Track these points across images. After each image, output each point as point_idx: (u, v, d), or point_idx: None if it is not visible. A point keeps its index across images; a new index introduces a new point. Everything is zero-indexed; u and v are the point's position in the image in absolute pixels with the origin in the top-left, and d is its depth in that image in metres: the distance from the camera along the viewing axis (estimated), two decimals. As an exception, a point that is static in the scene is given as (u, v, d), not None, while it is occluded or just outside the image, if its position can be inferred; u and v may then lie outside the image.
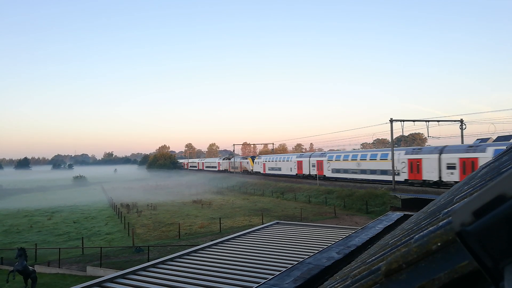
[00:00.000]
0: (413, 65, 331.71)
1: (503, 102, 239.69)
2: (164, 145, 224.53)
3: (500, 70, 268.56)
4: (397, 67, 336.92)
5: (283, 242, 9.22)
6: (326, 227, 11.70)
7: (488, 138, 35.07)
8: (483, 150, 32.47)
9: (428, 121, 43.03)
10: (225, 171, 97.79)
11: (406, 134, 60.93)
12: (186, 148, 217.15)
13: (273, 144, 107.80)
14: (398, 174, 41.06)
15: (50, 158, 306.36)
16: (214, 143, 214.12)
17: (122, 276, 6.81)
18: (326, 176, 53.43)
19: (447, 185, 34.94)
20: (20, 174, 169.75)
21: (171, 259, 7.82)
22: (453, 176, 34.99)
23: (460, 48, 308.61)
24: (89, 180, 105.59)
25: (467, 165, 33.57)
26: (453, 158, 35.24)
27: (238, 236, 10.01)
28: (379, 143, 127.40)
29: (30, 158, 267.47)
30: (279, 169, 67.54)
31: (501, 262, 0.54)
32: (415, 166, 38.97)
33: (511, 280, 0.52)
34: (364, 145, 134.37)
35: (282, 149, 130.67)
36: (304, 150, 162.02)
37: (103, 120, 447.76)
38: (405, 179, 40.03)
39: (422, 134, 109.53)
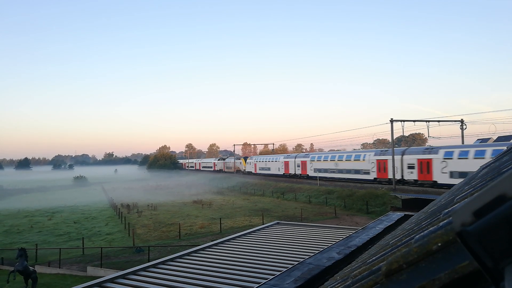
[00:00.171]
0: (413, 65, 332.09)
1: (504, 102, 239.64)
2: (165, 145, 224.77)
3: (500, 70, 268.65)
4: (397, 67, 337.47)
5: (283, 242, 9.22)
6: (327, 227, 11.69)
7: (489, 138, 35.02)
8: (436, 152, 36.78)
9: (429, 121, 43.00)
10: (220, 171, 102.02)
11: (406, 134, 61.13)
12: (186, 149, 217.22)
13: (273, 144, 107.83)
14: (368, 173, 45.33)
15: (50, 159, 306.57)
16: (215, 143, 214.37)
17: (123, 276, 6.81)
18: (309, 175, 57.04)
19: (408, 183, 39.78)
20: (20, 175, 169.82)
21: (172, 259, 7.82)
22: (412, 175, 39.19)
23: (460, 48, 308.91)
24: (89, 180, 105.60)
25: (423, 165, 37.75)
26: (412, 159, 39.40)
27: (239, 236, 10.01)
28: (380, 143, 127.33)
29: (30, 158, 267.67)
30: (269, 169, 71.75)
31: (501, 262, 0.54)
32: (382, 166, 43.03)
33: (511, 280, 0.52)
34: (364, 145, 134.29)
35: (282, 149, 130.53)
36: (304, 150, 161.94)
37: (103, 120, 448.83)
38: (374, 178, 44.07)
39: (422, 134, 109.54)
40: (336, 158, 51.49)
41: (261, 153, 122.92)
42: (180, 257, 8.01)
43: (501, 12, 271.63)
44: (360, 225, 25.59)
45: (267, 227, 11.40)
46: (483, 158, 32.15)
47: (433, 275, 0.80)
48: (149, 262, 7.99)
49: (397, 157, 40.96)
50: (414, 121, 42.66)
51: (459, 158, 34.77)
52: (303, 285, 3.92)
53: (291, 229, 11.06)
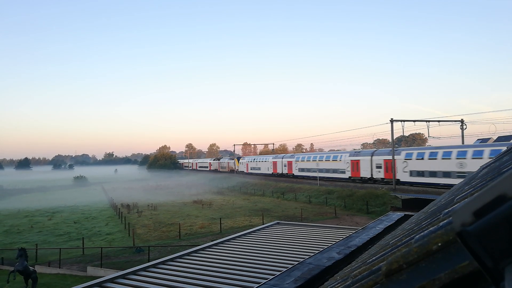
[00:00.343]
0: (413, 65, 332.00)
1: (504, 102, 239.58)
2: (165, 145, 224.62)
3: (500, 70, 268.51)
4: (397, 67, 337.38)
5: (283, 242, 9.22)
6: (327, 227, 11.69)
7: (489, 138, 35.03)
8: (399, 154, 40.78)
9: (429, 121, 43.00)
10: (215, 170, 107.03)
11: (406, 134, 61.36)
12: (186, 148, 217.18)
13: (273, 144, 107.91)
14: (344, 172, 49.70)
15: (50, 159, 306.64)
16: (215, 143, 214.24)
17: (123, 276, 6.81)
18: (295, 174, 61.65)
19: (376, 181, 43.86)
20: (20, 175, 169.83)
21: (172, 259, 7.82)
22: (380, 174, 43.35)
23: (460, 48, 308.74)
24: (89, 180, 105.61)
25: (389, 165, 41.60)
26: (380, 159, 43.36)
27: (239, 236, 10.01)
28: (380, 143, 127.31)
29: (30, 158, 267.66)
30: (259, 168, 76.34)
31: (501, 262, 0.54)
32: (355, 166, 47.45)
33: (511, 280, 0.52)
34: (364, 145, 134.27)
35: (282, 149, 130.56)
36: (304, 150, 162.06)
37: (103, 120, 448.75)
38: (349, 177, 48.51)
39: (422, 134, 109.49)
40: (317, 159, 56.16)
41: (261, 153, 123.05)
42: (180, 257, 8.01)
43: (501, 12, 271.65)
44: (360, 225, 25.60)
45: (267, 227, 11.40)
46: (435, 159, 36.45)
47: (433, 275, 0.80)
48: (149, 262, 7.99)
49: (367, 158, 45.34)
50: (414, 121, 42.67)
51: (416, 159, 38.32)
52: (303, 285, 3.92)
53: (291, 229, 11.07)
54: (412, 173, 38.83)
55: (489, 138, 35.11)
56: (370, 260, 1.94)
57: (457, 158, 34.66)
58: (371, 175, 44.71)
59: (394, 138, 42.60)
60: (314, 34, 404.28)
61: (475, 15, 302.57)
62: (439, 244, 0.87)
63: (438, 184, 36.06)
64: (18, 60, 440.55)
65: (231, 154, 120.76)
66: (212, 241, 9.81)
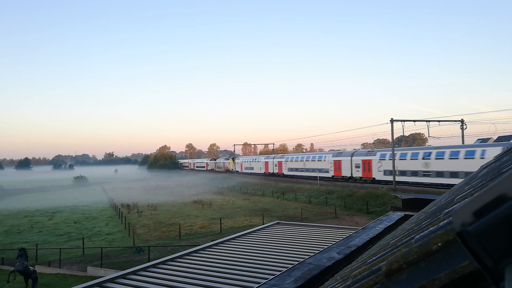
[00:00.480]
0: (413, 65, 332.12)
1: (504, 102, 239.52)
2: (165, 145, 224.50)
3: (500, 70, 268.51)
4: (397, 67, 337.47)
5: (283, 242, 9.22)
6: (327, 227, 11.69)
7: (489, 138, 35.09)
8: (375, 154, 44.59)
9: (429, 121, 42.98)
10: (212, 170, 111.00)
11: (406, 134, 61.56)
12: (186, 148, 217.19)
13: (273, 144, 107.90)
14: (328, 171, 53.22)
15: (50, 159, 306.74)
16: (215, 143, 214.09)
17: (123, 276, 6.81)
18: (284, 174, 65.28)
19: (356, 179, 47.27)
20: (20, 175, 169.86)
21: (172, 259, 7.82)
22: (358, 173, 46.80)
23: (460, 48, 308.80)
24: (89, 180, 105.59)
25: (366, 165, 45.27)
26: (358, 160, 46.80)
27: (239, 236, 10.01)
28: (380, 143, 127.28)
29: (30, 158, 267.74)
30: (252, 168, 79.68)
31: (501, 262, 0.55)
32: (337, 165, 51.09)
33: (511, 280, 0.52)
34: (364, 145, 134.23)
35: (282, 149, 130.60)
36: (304, 150, 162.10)
37: (103, 120, 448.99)
38: (332, 176, 52.07)
39: (422, 134, 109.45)
40: (304, 159, 59.95)
41: (261, 153, 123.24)
42: (180, 257, 8.01)
43: (501, 12, 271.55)
44: (360, 225, 25.59)
45: (267, 227, 11.40)
46: (405, 159, 39.77)
47: (433, 275, 0.80)
48: (149, 262, 8.00)
49: (348, 158, 48.99)
50: (414, 121, 42.64)
51: (389, 159, 41.17)
52: (303, 285, 3.92)
53: (291, 229, 11.07)
54: (385, 172, 42.11)
55: (489, 138, 35.17)
56: (370, 260, 1.94)
57: (423, 159, 37.74)
58: (351, 174, 48.15)
59: (395, 138, 42.60)
60: (314, 34, 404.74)
61: (475, 15, 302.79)
62: (439, 244, 0.87)
63: (407, 182, 39.18)
64: (18, 60, 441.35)
65: (231, 154, 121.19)
66: (212, 241, 9.81)
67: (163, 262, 7.63)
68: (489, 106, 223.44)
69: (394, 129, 41.15)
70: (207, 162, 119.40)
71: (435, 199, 4.92)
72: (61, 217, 41.08)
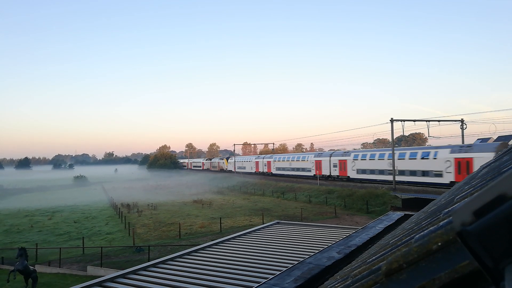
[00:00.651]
0: (413, 65, 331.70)
1: (504, 102, 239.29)
2: (165, 145, 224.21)
3: (500, 70, 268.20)
4: (397, 67, 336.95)
5: (283, 242, 9.22)
6: (327, 227, 11.70)
7: (489, 138, 35.12)
8: (349, 155, 48.88)
9: (429, 121, 42.97)
10: (207, 169, 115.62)
11: (406, 134, 61.71)
12: (186, 148, 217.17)
13: (273, 144, 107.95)
14: (310, 171, 57.50)
15: (50, 158, 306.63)
16: (215, 143, 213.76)
17: (123, 276, 6.82)
18: (273, 173, 69.56)
19: (334, 177, 51.45)
20: (20, 174, 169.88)
21: (172, 259, 7.82)
22: (336, 172, 51.07)
23: (460, 48, 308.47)
24: (89, 180, 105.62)
25: (342, 164, 49.77)
26: (336, 160, 51.16)
27: (239, 236, 10.02)
28: (380, 142, 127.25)
29: (30, 158, 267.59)
30: (244, 167, 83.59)
31: (501, 262, 0.54)
32: (318, 165, 55.28)
33: (511, 280, 0.52)
34: (364, 145, 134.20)
35: (282, 149, 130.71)
36: (304, 150, 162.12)
37: (103, 120, 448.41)
38: (314, 174, 56.04)
39: (422, 134, 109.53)
40: (290, 159, 64.38)
41: (261, 153, 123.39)
42: (180, 256, 8.01)
43: (501, 12, 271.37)
44: (360, 224, 25.58)
45: (267, 226, 11.41)
46: (374, 159, 44.16)
47: (433, 275, 0.80)
48: (149, 261, 8.00)
49: (327, 158, 53.41)
50: (414, 120, 42.62)
51: (361, 159, 46.09)
52: (303, 285, 3.92)
53: (291, 228, 11.07)
54: (358, 171, 46.55)
55: (489, 138, 35.20)
56: (370, 259, 1.94)
57: (388, 159, 41.73)
58: (330, 173, 52.43)
59: (395, 137, 42.62)
60: (314, 34, 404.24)
61: (475, 15, 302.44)
62: (439, 243, 0.87)
63: (376, 180, 43.46)
64: (18, 60, 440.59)
65: (231, 154, 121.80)
66: (212, 240, 9.81)
67: (163, 262, 7.63)
68: (489, 106, 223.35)
69: (394, 129, 41.17)
70: (203, 162, 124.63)
71: (435, 199, 4.92)
72: (61, 217, 41.09)
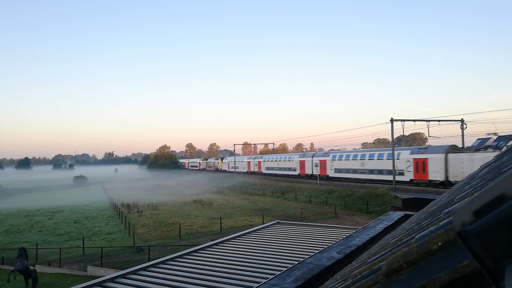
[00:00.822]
0: (413, 65, 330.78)
1: (504, 102, 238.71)
2: (165, 145, 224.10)
3: (500, 70, 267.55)
4: (397, 67, 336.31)
5: (283, 242, 9.22)
6: (327, 227, 11.69)
7: (489, 138, 35.12)
8: (328, 155, 53.36)
9: (429, 120, 42.97)
10: (204, 169, 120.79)
11: (406, 133, 61.84)
12: (186, 148, 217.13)
13: (273, 144, 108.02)
14: (295, 170, 61.71)
15: (50, 158, 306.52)
16: (215, 143, 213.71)
17: (123, 276, 6.82)
18: (263, 172, 74.26)
19: (316, 176, 54.46)
20: (20, 174, 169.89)
21: (172, 259, 7.82)
22: (317, 171, 55.03)
23: (460, 48, 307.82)
24: (89, 180, 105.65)
25: (322, 165, 53.84)
26: (317, 160, 55.41)
27: (239, 236, 10.02)
28: (380, 142, 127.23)
29: (30, 158, 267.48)
30: (237, 167, 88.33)
31: (501, 262, 0.55)
32: (302, 165, 59.67)
33: (511, 280, 0.52)
34: (364, 145, 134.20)
35: (282, 149, 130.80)
36: (304, 150, 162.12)
37: (103, 120, 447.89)
38: (298, 173, 60.46)
39: (422, 133, 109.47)
40: (278, 159, 69.41)
41: (261, 153, 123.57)
42: (180, 256, 8.01)
43: (501, 12, 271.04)
44: (360, 224, 25.57)
45: (268, 226, 11.41)
46: (349, 160, 48.23)
47: (433, 275, 0.80)
48: (149, 261, 8.00)
49: (310, 159, 57.93)
50: (414, 120, 42.63)
51: (338, 160, 50.33)
52: (303, 285, 3.92)
53: (291, 228, 11.07)
54: (335, 170, 50.69)
55: (489, 138, 35.20)
56: (370, 259, 1.94)
57: (360, 159, 45.85)
58: (312, 172, 56.58)
59: (395, 137, 42.62)
60: (314, 34, 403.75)
61: (475, 15, 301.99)
62: (439, 243, 0.87)
63: (350, 178, 47.67)
64: (18, 60, 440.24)
65: (231, 154, 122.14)
66: (212, 240, 9.81)
67: (163, 262, 7.63)
68: (489, 106, 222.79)
69: (394, 128, 41.17)
70: (199, 162, 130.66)
71: (435, 199, 4.92)
72: (61, 217, 41.10)
